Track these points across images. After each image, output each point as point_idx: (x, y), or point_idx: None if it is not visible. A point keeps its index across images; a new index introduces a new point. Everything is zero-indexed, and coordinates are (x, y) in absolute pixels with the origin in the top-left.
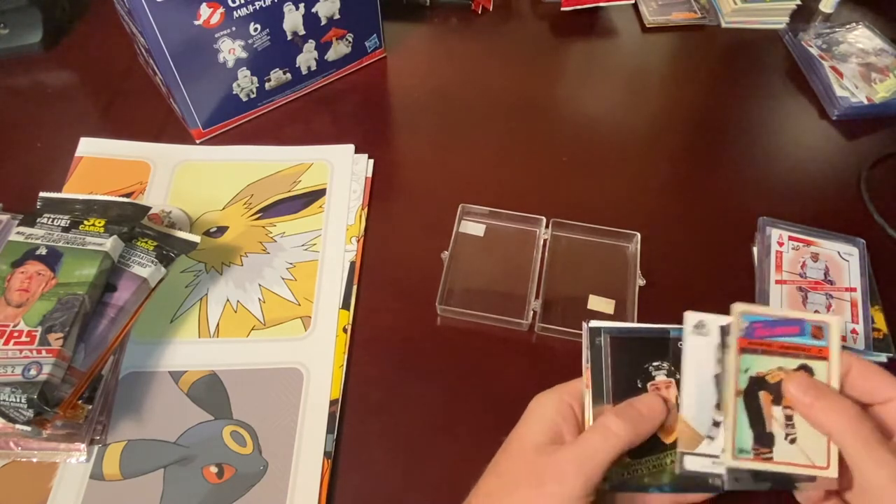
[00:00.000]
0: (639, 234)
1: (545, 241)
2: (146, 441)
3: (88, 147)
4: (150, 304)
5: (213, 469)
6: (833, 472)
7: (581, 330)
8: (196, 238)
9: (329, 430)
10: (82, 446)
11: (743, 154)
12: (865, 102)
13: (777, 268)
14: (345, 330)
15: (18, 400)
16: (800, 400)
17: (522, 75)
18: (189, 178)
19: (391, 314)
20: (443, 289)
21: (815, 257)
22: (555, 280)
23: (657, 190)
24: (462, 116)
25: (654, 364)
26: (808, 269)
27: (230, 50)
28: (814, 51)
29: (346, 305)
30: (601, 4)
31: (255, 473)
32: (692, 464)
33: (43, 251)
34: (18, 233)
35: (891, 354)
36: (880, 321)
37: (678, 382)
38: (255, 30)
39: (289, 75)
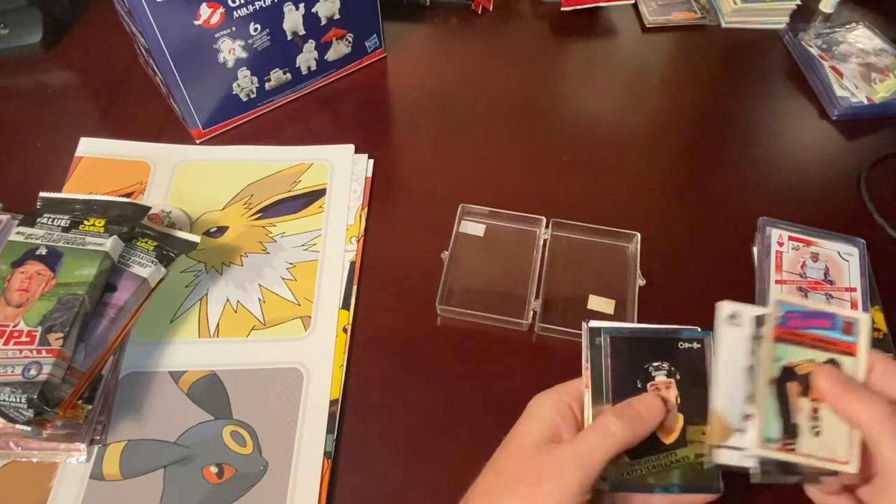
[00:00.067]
0: (639, 234)
1: (545, 241)
2: (146, 441)
3: (88, 147)
4: (150, 304)
5: (213, 469)
6: (854, 468)
7: (581, 330)
8: (196, 238)
9: (329, 430)
10: (82, 446)
11: (743, 154)
12: (865, 102)
13: (777, 268)
14: (345, 330)
15: (18, 400)
16: (829, 391)
17: (522, 75)
18: (189, 178)
19: (391, 314)
20: (443, 289)
21: (815, 257)
22: (555, 280)
23: (657, 190)
24: (462, 116)
25: (654, 364)
26: (808, 269)
27: (230, 50)
28: (814, 51)
29: (346, 305)
30: (601, 4)
31: (255, 473)
32: (723, 457)
33: (43, 251)
34: (18, 233)
35: (891, 354)
36: (880, 321)
37: (679, 383)
38: (255, 30)
39: (289, 75)
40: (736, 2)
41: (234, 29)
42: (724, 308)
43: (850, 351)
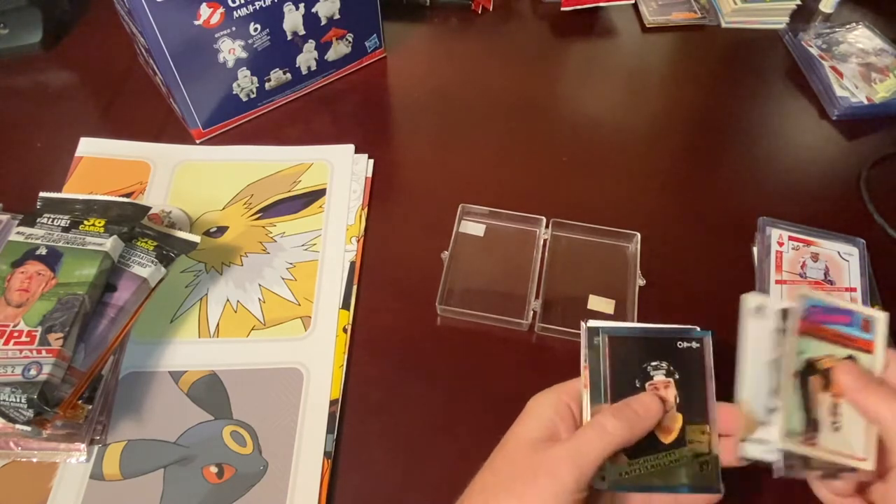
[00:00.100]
0: (639, 234)
1: (545, 241)
2: (146, 441)
3: (88, 147)
4: (150, 304)
5: (213, 469)
6: (870, 465)
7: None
8: (196, 238)
9: (329, 430)
10: (82, 446)
11: (743, 154)
12: (865, 102)
13: (777, 268)
14: (345, 330)
15: (18, 400)
16: (850, 386)
17: (522, 75)
18: (189, 178)
19: (391, 314)
20: (443, 289)
21: (815, 257)
22: (555, 280)
23: (657, 190)
24: (462, 116)
25: (653, 364)
26: (808, 269)
27: (230, 50)
28: (814, 51)
29: (346, 305)
30: (601, 4)
31: (255, 473)
32: (750, 451)
33: (43, 251)
34: (18, 233)
35: None
36: None
37: (677, 383)
38: (255, 30)
39: (289, 75)
40: (736, 2)
41: (234, 29)
42: (750, 300)
43: (867, 348)
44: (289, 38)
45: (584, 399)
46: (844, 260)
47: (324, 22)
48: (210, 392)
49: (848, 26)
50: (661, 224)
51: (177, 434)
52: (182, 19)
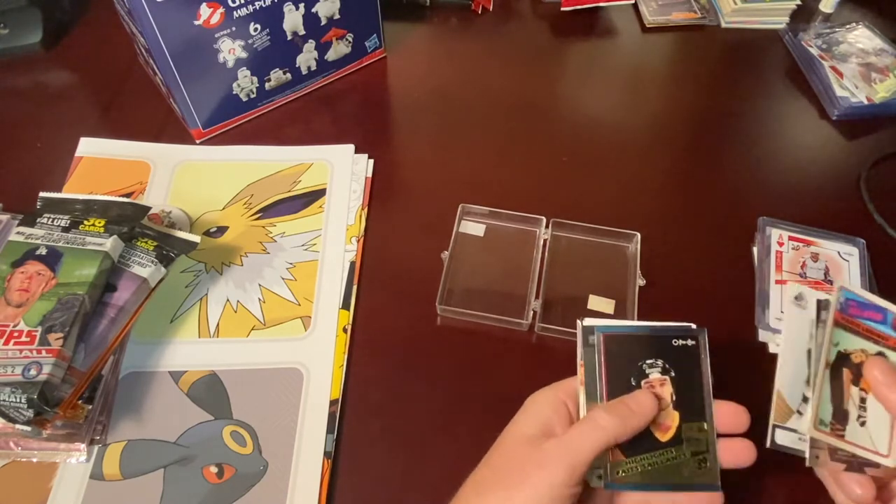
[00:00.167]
0: (639, 234)
1: (545, 241)
2: (146, 441)
3: (88, 147)
4: (150, 304)
5: (213, 469)
6: (892, 462)
7: None
8: (196, 238)
9: (329, 430)
10: (82, 446)
11: (743, 154)
12: (865, 102)
13: (777, 268)
14: (345, 330)
15: (18, 400)
16: (880, 381)
17: (522, 75)
18: (189, 178)
19: (391, 314)
20: (443, 289)
21: (815, 257)
22: (555, 280)
23: (657, 190)
24: (462, 116)
25: (648, 362)
26: (808, 269)
27: (230, 50)
28: (814, 51)
29: (346, 305)
30: (601, 4)
31: (255, 473)
32: (782, 438)
33: (43, 251)
34: (18, 233)
35: None
36: None
37: (673, 380)
38: (255, 30)
39: (289, 75)
40: (736, 2)
41: (234, 29)
42: (790, 289)
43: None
44: (289, 38)
45: (580, 397)
46: (844, 260)
47: (324, 22)
48: (210, 392)
49: (848, 26)
50: (661, 224)
51: (177, 434)
52: (182, 19)
